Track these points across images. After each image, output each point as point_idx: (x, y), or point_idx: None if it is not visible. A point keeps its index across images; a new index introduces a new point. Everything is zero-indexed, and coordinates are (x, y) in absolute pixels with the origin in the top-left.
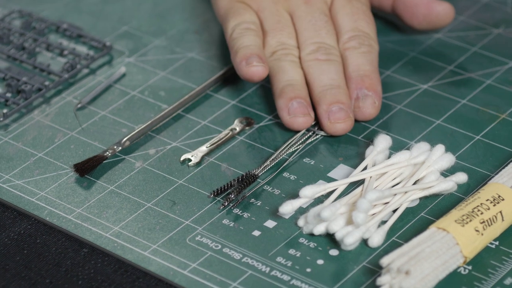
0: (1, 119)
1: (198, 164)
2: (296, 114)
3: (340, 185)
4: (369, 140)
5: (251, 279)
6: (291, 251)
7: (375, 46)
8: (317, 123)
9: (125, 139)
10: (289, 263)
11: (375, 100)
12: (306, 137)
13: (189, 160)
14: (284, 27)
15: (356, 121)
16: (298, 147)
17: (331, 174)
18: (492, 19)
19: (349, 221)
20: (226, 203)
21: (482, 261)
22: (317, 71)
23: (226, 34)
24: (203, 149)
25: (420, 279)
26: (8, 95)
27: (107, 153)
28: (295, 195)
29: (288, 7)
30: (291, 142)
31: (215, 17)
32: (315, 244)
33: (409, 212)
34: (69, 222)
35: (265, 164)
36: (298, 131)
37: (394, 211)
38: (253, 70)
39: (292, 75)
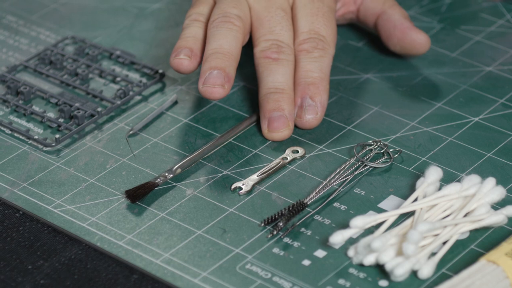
0: (54, 144)
1: (249, 192)
2: (209, 84)
3: (391, 216)
4: (420, 172)
5: None
6: (341, 281)
7: (330, 50)
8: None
9: (176, 166)
10: None
11: (318, 111)
12: (355, 167)
13: (240, 188)
14: (232, 1)
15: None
16: (348, 177)
17: (381, 205)
18: None
19: (399, 252)
20: (275, 232)
21: None
22: (265, 72)
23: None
24: (254, 177)
25: None
26: (61, 120)
27: (159, 180)
28: (346, 225)
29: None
30: (341, 172)
31: None
32: (365, 275)
33: (459, 245)
34: (120, 248)
35: (315, 194)
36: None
37: (444, 243)
38: (176, 61)
39: (221, 43)
